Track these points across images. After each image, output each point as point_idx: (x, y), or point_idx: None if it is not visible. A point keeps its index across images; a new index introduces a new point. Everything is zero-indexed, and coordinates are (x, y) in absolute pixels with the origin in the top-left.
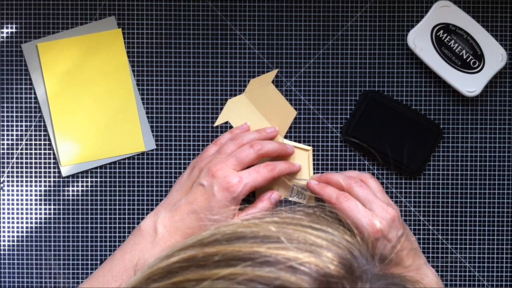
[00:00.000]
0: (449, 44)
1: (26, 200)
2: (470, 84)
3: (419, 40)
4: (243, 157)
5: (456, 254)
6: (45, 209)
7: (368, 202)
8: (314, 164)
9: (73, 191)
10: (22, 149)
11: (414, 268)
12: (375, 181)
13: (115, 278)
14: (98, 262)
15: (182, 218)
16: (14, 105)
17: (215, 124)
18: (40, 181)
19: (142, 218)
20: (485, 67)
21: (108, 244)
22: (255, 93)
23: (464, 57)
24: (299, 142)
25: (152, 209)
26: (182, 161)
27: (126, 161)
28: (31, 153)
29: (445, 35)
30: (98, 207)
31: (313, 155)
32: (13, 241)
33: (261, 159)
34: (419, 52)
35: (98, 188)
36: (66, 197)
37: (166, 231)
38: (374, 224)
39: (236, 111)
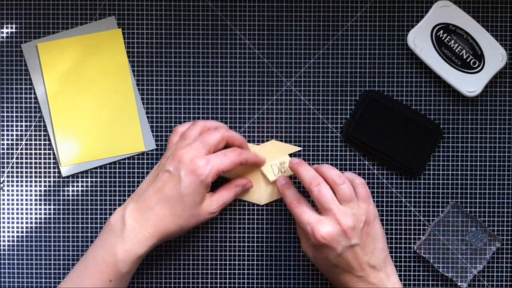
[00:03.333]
0: (449, 44)
1: (26, 200)
2: (470, 84)
3: (419, 40)
4: (208, 139)
5: (457, 254)
6: (45, 209)
7: (329, 204)
8: (315, 165)
9: (73, 191)
10: (22, 149)
11: (369, 279)
12: (363, 188)
13: (90, 278)
14: None
15: (151, 207)
16: (14, 105)
17: None
18: (40, 181)
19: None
20: (485, 67)
21: None
22: (267, 152)
23: (464, 57)
24: (299, 142)
25: None
26: None
27: (126, 161)
28: (31, 153)
29: (445, 35)
30: (98, 207)
31: (314, 155)
32: (13, 241)
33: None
34: (419, 52)
35: (98, 188)
36: (66, 197)
37: (136, 223)
38: (315, 233)
39: None
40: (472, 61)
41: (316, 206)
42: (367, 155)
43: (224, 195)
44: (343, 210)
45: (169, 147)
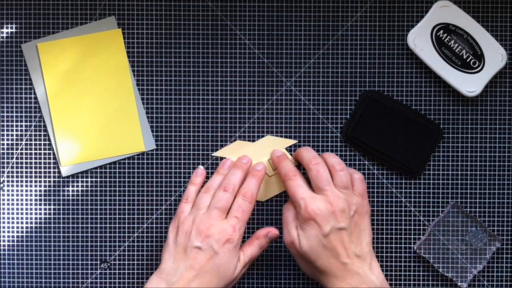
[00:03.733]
0: (449, 44)
1: (26, 200)
2: (470, 84)
3: (419, 40)
4: (223, 205)
5: (457, 254)
6: (45, 209)
7: (324, 185)
8: None
9: (73, 191)
10: (22, 149)
11: (353, 268)
12: (361, 183)
13: None
14: (98, 262)
15: (188, 286)
16: (14, 105)
17: (215, 154)
18: (40, 181)
19: (142, 218)
20: (485, 67)
21: (108, 244)
22: (263, 147)
23: (464, 57)
24: (300, 142)
25: (151, 209)
26: (182, 161)
27: (126, 161)
28: (31, 153)
29: (445, 35)
30: (98, 207)
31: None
32: (13, 241)
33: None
34: (419, 52)
35: (98, 188)
36: (66, 197)
37: None
38: (306, 207)
39: (238, 154)
40: (472, 61)
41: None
42: (367, 155)
43: (251, 251)
44: (336, 193)
45: (183, 219)
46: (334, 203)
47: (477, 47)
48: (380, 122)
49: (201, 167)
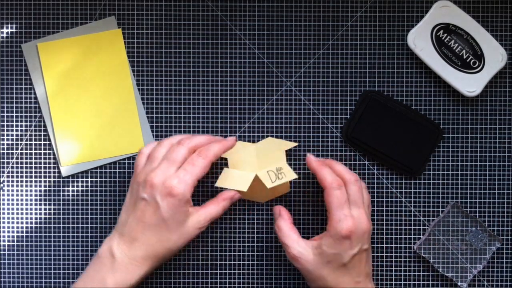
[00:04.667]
0: (449, 44)
1: (26, 200)
2: (470, 84)
3: (419, 40)
4: (174, 157)
5: (457, 254)
6: (45, 209)
7: (355, 205)
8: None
9: (73, 191)
10: (22, 149)
11: (364, 286)
12: (368, 194)
13: None
14: None
15: (136, 238)
16: (14, 105)
17: (217, 186)
18: (40, 181)
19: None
20: (485, 67)
21: None
22: (264, 150)
23: (464, 57)
24: (300, 142)
25: None
26: None
27: (126, 161)
28: (31, 153)
29: (445, 35)
30: (98, 207)
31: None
32: (13, 241)
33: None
34: (419, 52)
35: (98, 188)
36: (66, 197)
37: (124, 255)
38: (347, 224)
39: (239, 153)
40: (472, 61)
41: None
42: (367, 155)
43: (211, 209)
44: (367, 214)
45: (137, 171)
46: (367, 224)
47: (477, 47)
48: (380, 122)
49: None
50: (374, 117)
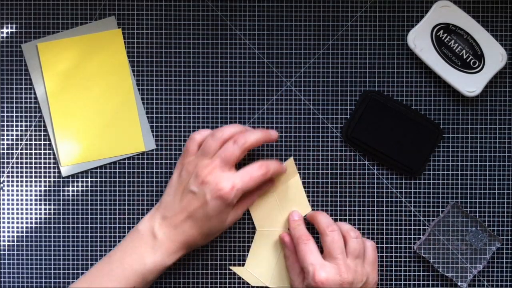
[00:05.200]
0: (449, 44)
1: (26, 200)
2: (470, 84)
3: (419, 40)
4: (228, 156)
5: (457, 254)
6: (45, 209)
7: (337, 253)
8: (315, 165)
9: (73, 191)
10: (22, 149)
11: None
12: (373, 251)
13: (113, 281)
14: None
15: (180, 225)
16: (14, 105)
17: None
18: (40, 181)
19: (142, 218)
20: (485, 67)
21: (108, 244)
22: (282, 188)
23: (464, 57)
24: (300, 142)
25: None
26: None
27: (126, 161)
28: (31, 153)
29: (445, 35)
30: (98, 207)
31: (314, 155)
32: (13, 241)
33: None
34: (419, 52)
35: (98, 188)
36: (66, 197)
37: (166, 237)
38: (315, 276)
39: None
40: (472, 61)
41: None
42: (367, 155)
43: (247, 203)
44: (348, 264)
45: (187, 158)
46: (343, 274)
47: (477, 47)
48: (380, 122)
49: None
50: (374, 117)
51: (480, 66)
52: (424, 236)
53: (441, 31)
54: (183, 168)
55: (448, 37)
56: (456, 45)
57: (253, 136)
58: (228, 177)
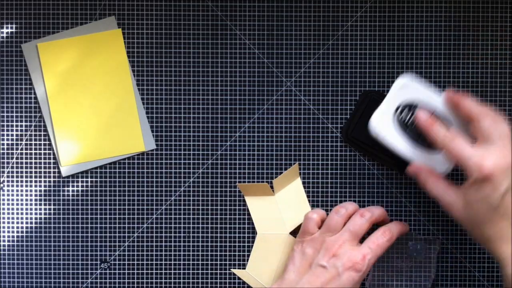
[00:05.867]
0: (413, 126)
1: (26, 200)
2: (441, 164)
3: (382, 126)
4: (357, 230)
5: (456, 254)
6: (45, 209)
7: (488, 140)
8: (315, 165)
9: (73, 191)
10: (22, 149)
11: None
12: (505, 126)
13: None
14: (98, 262)
15: None
16: (14, 105)
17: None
18: (40, 181)
19: (142, 218)
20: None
21: (108, 244)
22: (283, 191)
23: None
24: (299, 142)
25: (151, 209)
26: (182, 161)
27: (126, 161)
28: (31, 153)
29: (411, 113)
30: (98, 207)
31: (314, 155)
32: (13, 241)
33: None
34: (384, 138)
35: (98, 188)
36: (66, 197)
37: None
38: (481, 165)
39: (262, 209)
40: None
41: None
42: (367, 155)
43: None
44: (502, 148)
45: (307, 234)
46: (507, 156)
47: (445, 119)
48: None
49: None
50: None
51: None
52: (370, 275)
53: (405, 110)
54: (307, 245)
55: (413, 116)
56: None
57: (378, 210)
58: (358, 249)
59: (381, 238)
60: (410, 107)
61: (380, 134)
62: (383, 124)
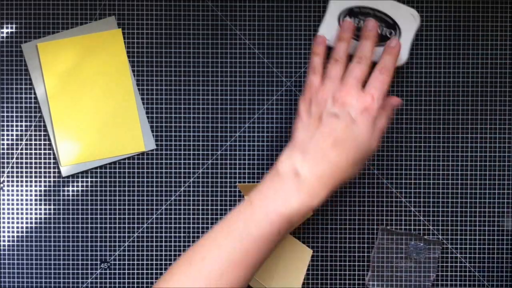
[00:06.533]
0: (359, 26)
1: (26, 200)
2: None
3: (330, 34)
4: (359, 75)
5: (456, 254)
6: (45, 209)
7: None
8: None
9: (73, 191)
10: (22, 149)
11: None
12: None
13: (256, 227)
14: (98, 262)
15: (325, 155)
16: (14, 105)
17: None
18: (40, 181)
19: (142, 218)
20: (402, 33)
21: (108, 244)
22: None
23: (379, 31)
24: None
25: (151, 209)
26: (182, 161)
27: (126, 161)
28: (31, 153)
29: (353, 18)
30: (98, 207)
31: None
32: (13, 241)
33: None
34: (335, 45)
35: (98, 188)
36: (66, 197)
37: (311, 173)
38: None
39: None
40: (388, 32)
41: None
42: None
43: (384, 124)
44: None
45: (314, 90)
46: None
47: (387, 17)
48: None
49: (319, 34)
50: None
51: (397, 34)
52: (370, 271)
53: (347, 17)
54: (311, 101)
55: (356, 19)
56: None
57: (369, 49)
58: (365, 92)
59: (381, 76)
60: (352, 11)
61: (330, 42)
62: (332, 34)
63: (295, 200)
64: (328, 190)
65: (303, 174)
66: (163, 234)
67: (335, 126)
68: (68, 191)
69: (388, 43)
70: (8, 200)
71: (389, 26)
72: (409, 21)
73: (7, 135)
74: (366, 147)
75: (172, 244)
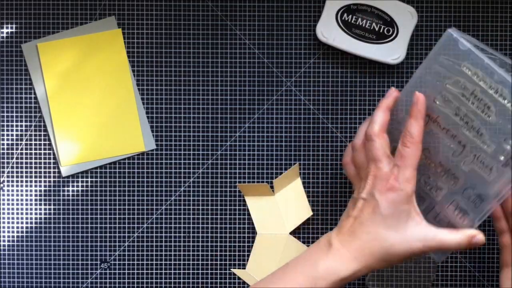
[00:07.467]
0: (357, 23)
1: (26, 200)
2: (392, 52)
3: (328, 31)
4: (379, 155)
5: (456, 254)
6: (45, 209)
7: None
8: (315, 165)
9: (73, 191)
10: (22, 149)
11: None
12: None
13: (284, 284)
14: (98, 262)
15: (353, 232)
16: (14, 105)
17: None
18: (40, 181)
19: (142, 218)
20: (400, 31)
21: (108, 244)
22: (283, 192)
23: (377, 29)
24: (300, 142)
25: (151, 209)
26: (182, 161)
27: (126, 161)
28: (31, 153)
29: (350, 16)
30: (98, 207)
31: (314, 155)
32: (13, 241)
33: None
34: (333, 42)
35: (98, 188)
36: (66, 197)
37: (340, 245)
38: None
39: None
40: (386, 29)
41: None
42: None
43: (445, 235)
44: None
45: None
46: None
47: (385, 15)
48: None
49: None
50: None
51: (395, 31)
52: (369, 274)
53: (345, 14)
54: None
55: (354, 17)
56: (364, 21)
57: (378, 117)
58: (390, 173)
59: (402, 150)
60: (349, 8)
61: (328, 40)
62: (329, 30)
63: (321, 264)
64: (360, 264)
65: (334, 244)
66: (163, 234)
67: (362, 210)
68: (68, 191)
69: (411, 116)
70: (8, 200)
71: (387, 23)
72: (406, 19)
73: (7, 135)
74: (395, 225)
75: (172, 244)
